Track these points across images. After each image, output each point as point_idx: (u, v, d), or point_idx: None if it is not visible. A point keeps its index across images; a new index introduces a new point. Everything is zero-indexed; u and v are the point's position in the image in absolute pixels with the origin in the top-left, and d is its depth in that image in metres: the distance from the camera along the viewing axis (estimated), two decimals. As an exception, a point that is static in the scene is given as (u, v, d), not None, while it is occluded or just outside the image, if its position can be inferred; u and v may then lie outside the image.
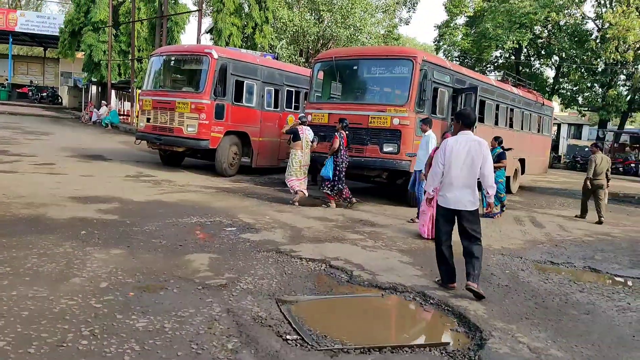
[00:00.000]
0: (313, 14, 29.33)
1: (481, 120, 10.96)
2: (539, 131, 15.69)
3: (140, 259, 5.13)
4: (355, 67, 10.30)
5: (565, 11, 29.63)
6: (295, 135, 9.37)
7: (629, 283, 6.05)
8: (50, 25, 35.78)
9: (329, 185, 9.25)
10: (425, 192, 5.69)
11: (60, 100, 38.41)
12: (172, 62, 13.17)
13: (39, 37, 39.63)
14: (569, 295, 5.20)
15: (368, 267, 5.57)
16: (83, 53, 30.32)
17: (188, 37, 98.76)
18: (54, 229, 5.98)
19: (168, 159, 13.39)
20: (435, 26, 36.31)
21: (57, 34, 32.43)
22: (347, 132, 9.07)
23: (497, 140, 9.88)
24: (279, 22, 27.93)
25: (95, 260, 4.93)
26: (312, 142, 9.48)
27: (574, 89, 32.34)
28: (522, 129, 14.31)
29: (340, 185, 9.19)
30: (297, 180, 9.37)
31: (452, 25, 33.80)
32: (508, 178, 13.54)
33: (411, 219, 8.45)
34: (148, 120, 12.50)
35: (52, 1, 56.39)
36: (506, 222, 9.35)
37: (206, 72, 11.63)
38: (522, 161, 14.41)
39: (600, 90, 30.98)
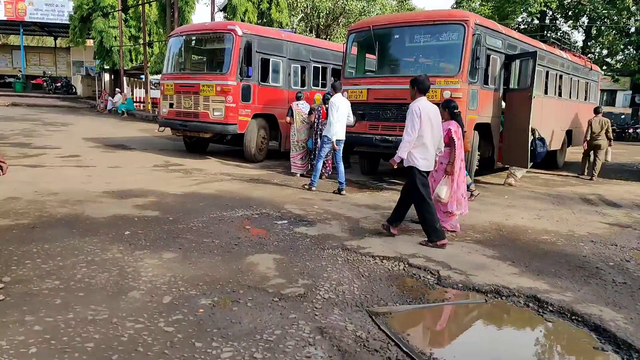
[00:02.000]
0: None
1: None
2: (585, 99, 14.59)
3: (198, 265, 4.41)
4: (396, 36, 9.32)
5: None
6: (288, 111, 10.01)
7: None
8: (60, 13, 35.00)
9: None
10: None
11: (74, 90, 37.87)
12: (194, 42, 12.31)
13: (48, 26, 38.96)
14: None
15: (455, 264, 4.77)
16: (94, 40, 29.55)
17: (199, 17, 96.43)
18: (96, 230, 5.32)
19: (193, 146, 12.64)
20: (452, -6, 34.73)
21: (67, 21, 31.68)
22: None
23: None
24: (288, -2, 26.83)
25: (149, 268, 4.27)
26: (308, 114, 9.78)
27: (605, 52, 30.75)
28: (570, 97, 13.24)
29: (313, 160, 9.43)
30: (296, 156, 9.83)
31: (470, -8, 32.23)
32: (554, 152, 12.60)
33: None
34: (171, 105, 11.72)
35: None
36: (576, 203, 8.45)
37: (230, 51, 10.76)
38: (569, 133, 13.41)
39: (634, 52, 29.37)
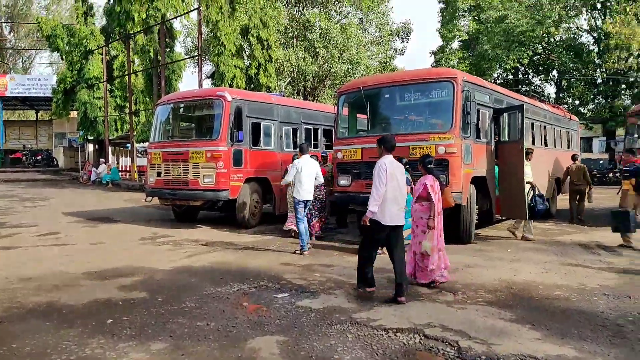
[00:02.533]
0: (308, 52, 28.90)
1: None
2: (568, 147, 14.77)
3: (192, 356, 4.02)
4: (387, 96, 9.38)
5: (564, 25, 29.32)
6: (284, 173, 9.80)
7: None
8: (42, 87, 35.25)
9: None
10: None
11: (55, 162, 37.54)
12: (182, 109, 12.27)
13: (30, 100, 39.05)
14: None
15: (473, 332, 4.46)
16: (77, 112, 29.63)
17: (187, 85, 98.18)
18: (73, 320, 4.88)
19: (182, 215, 12.33)
20: (430, 52, 36.07)
21: (49, 94, 31.83)
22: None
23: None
24: (275, 62, 27.43)
25: (137, 364, 3.83)
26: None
27: (577, 102, 31.75)
28: (555, 146, 13.39)
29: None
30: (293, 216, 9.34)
31: (447, 50, 33.44)
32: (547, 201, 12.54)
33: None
34: (159, 174, 11.49)
35: (43, 63, 56.23)
36: (578, 253, 8.27)
37: (220, 117, 10.70)
38: (557, 180, 13.43)
39: (604, 101, 30.38)
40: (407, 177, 6.98)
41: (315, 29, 28.37)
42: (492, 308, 5.23)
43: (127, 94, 26.18)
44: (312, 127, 13.02)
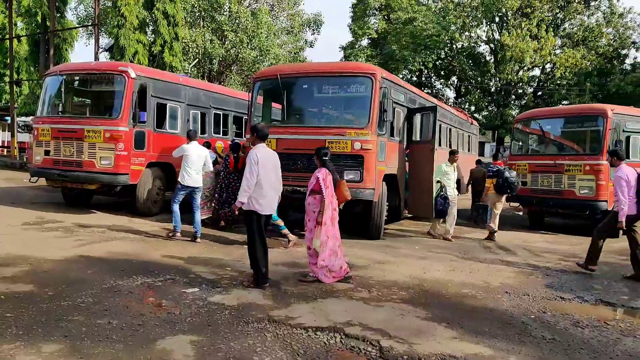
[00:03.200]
0: (216, 34, 27.86)
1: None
2: (469, 150, 15.63)
3: (93, 359, 3.54)
4: (305, 86, 9.18)
5: (466, 33, 31.10)
6: None
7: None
8: None
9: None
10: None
11: None
12: (76, 82, 11.14)
13: None
14: (621, 343, 4.45)
15: (393, 331, 4.42)
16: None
17: (79, 57, 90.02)
18: (-58, 318, 4.13)
19: (74, 199, 11.25)
20: (340, 47, 36.47)
21: None
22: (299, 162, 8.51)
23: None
24: (180, 42, 26.09)
25: (25, 371, 3.29)
26: (213, 163, 9.37)
27: (473, 108, 33.96)
28: (458, 148, 14.04)
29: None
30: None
31: (357, 46, 34.06)
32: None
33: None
34: (47, 152, 10.32)
35: None
36: (479, 252, 8.68)
37: (122, 94, 9.84)
38: (458, 182, 14.12)
39: (496, 109, 32.78)
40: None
41: (224, 11, 27.45)
42: (408, 306, 5.25)
43: (8, 61, 23.47)
44: (221, 113, 12.48)
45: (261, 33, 27.94)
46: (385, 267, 7.08)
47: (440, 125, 12.04)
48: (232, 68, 30.18)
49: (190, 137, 8.46)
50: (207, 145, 9.91)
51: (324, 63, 9.86)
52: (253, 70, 28.44)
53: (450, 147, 13.14)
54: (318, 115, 9.33)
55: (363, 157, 8.29)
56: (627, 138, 10.54)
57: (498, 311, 5.26)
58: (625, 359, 4.11)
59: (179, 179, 8.25)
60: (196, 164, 8.19)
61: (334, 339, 4.21)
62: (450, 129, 13.07)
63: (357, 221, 9.72)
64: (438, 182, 9.38)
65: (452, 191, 9.54)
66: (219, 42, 27.52)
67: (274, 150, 8.74)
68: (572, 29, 32.18)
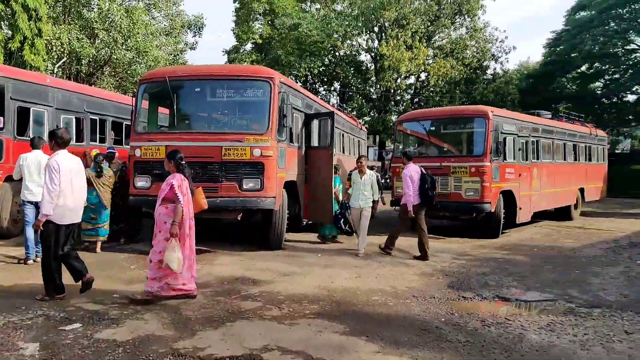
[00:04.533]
0: (85, 32, 25.54)
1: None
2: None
3: None
4: (197, 89, 8.56)
5: (348, 41, 31.98)
6: None
7: (548, 308, 5.76)
8: None
9: None
10: None
11: None
12: None
13: None
14: (525, 339, 4.59)
15: (313, 352, 4.12)
16: None
17: None
18: None
19: None
20: (224, 51, 35.54)
21: None
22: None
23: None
24: (43, 39, 23.50)
25: None
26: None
27: (355, 113, 35.06)
28: (350, 154, 14.20)
29: None
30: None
31: (241, 50, 33.45)
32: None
33: None
34: None
35: None
36: (378, 255, 8.70)
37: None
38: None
39: (377, 115, 34.15)
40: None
41: (92, 7, 25.31)
42: (323, 321, 4.98)
43: None
44: (98, 118, 11.32)
45: (137, 33, 26.21)
46: (291, 279, 6.78)
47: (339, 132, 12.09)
48: (105, 69, 27.98)
49: (34, 144, 7.26)
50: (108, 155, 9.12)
51: (219, 66, 9.34)
52: (129, 72, 26.58)
53: (343, 152, 13.23)
54: (212, 120, 8.78)
55: (263, 165, 7.91)
56: (504, 139, 10.92)
57: (411, 317, 5.21)
58: (533, 354, 4.22)
59: (21, 195, 7.17)
60: (34, 176, 7.04)
61: (252, 369, 3.80)
62: (342, 134, 13.16)
63: (256, 231, 9.35)
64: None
65: (364, 200, 8.83)
66: (88, 41, 25.28)
67: (163, 158, 8.13)
68: (442, 41, 34.62)
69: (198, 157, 7.88)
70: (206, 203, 6.02)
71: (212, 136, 8.05)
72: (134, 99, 8.81)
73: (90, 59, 25.72)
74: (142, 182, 8.33)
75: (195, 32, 33.60)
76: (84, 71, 26.98)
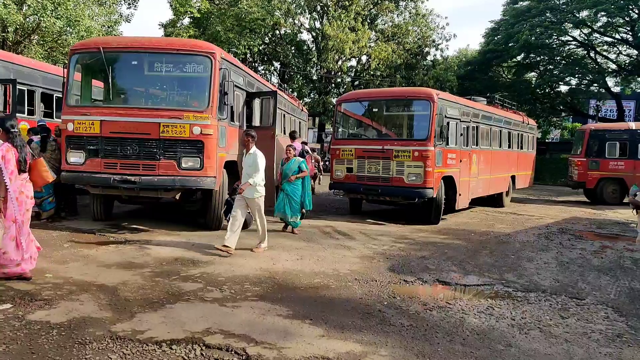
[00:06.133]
0: (10, -2, 23.63)
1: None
2: (300, 136, 15.75)
3: None
4: (134, 62, 8.11)
5: (290, 20, 31.54)
6: None
7: (487, 292, 5.99)
8: None
9: None
10: None
11: None
12: None
13: None
14: (466, 322, 4.74)
15: (258, 335, 4.06)
16: None
17: None
18: None
19: None
20: (160, 25, 34.04)
21: None
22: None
23: None
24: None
25: None
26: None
27: (296, 94, 34.84)
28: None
29: None
30: None
31: (178, 25, 32.19)
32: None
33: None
34: None
35: None
36: (321, 237, 8.74)
37: None
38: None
39: (318, 97, 34.10)
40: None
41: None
42: (266, 304, 4.92)
43: None
44: (26, 89, 10.55)
45: (68, 1, 24.55)
46: (232, 260, 6.66)
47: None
48: (32, 38, 26.10)
49: None
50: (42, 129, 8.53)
51: (158, 38, 8.92)
52: (59, 42, 24.97)
53: (284, 133, 13.05)
54: (150, 96, 8.38)
55: (203, 143, 7.67)
56: (447, 124, 10.78)
57: (354, 300, 5.24)
58: (474, 338, 4.35)
59: None
60: None
61: (194, 352, 3.70)
62: (284, 115, 12.97)
63: (195, 212, 9.14)
64: None
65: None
66: (15, 7, 23.42)
67: (97, 133, 7.72)
68: (384, 24, 34.93)
69: (135, 133, 7.58)
70: (50, 176, 5.48)
71: (150, 112, 7.69)
72: (65, 70, 8.27)
73: (18, 26, 23.90)
74: (75, 157, 7.89)
75: (130, 4, 31.99)
76: (11, 39, 25.09)
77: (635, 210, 6.95)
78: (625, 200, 16.88)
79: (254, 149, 7.27)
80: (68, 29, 24.89)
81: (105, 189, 7.82)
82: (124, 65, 8.19)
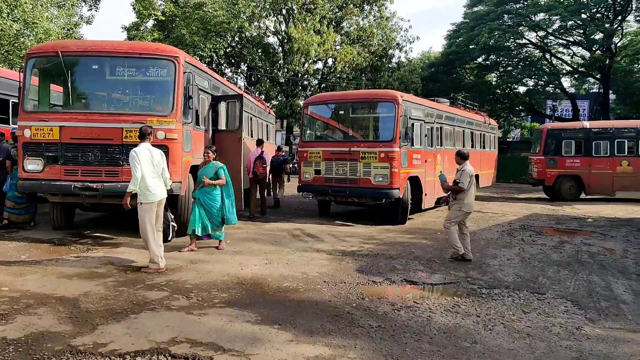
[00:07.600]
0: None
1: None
2: (267, 139, 15.70)
3: None
4: (95, 67, 7.90)
5: (255, 23, 31.38)
6: None
7: (453, 290, 6.08)
8: None
9: None
10: None
11: None
12: None
13: None
14: (433, 321, 4.80)
15: (226, 343, 4.00)
16: None
17: None
18: None
19: None
20: (122, 27, 33.33)
21: None
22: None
23: None
24: None
25: None
26: None
27: (264, 97, 34.68)
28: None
29: None
30: None
31: (142, 28, 31.60)
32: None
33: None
34: None
35: None
36: (289, 241, 8.71)
37: None
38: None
39: (285, 99, 34.02)
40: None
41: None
42: (234, 310, 4.87)
43: None
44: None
45: (25, 2, 23.78)
46: (199, 267, 6.57)
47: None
48: (-13, 42, 25.16)
49: None
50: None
51: (120, 42, 8.72)
52: (16, 45, 24.17)
53: (252, 136, 13.00)
54: (112, 100, 8.16)
55: (168, 148, 7.53)
56: (412, 125, 11.08)
57: (323, 303, 5.24)
58: (441, 337, 4.40)
59: None
60: None
61: (161, 364, 3.62)
62: (251, 118, 12.90)
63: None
64: None
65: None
66: (-35, 9, 22.55)
67: (57, 139, 7.50)
68: (350, 27, 35.16)
69: (97, 139, 7.40)
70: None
71: (112, 117, 7.53)
72: (21, 74, 7.99)
73: (-33, 29, 22.99)
74: (32, 165, 7.65)
75: (91, 5, 31.23)
76: (-40, 43, 24.12)
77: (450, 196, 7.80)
78: (582, 196, 17.53)
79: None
80: (25, 31, 24.11)
81: (66, 196, 7.60)
82: (84, 69, 7.98)
